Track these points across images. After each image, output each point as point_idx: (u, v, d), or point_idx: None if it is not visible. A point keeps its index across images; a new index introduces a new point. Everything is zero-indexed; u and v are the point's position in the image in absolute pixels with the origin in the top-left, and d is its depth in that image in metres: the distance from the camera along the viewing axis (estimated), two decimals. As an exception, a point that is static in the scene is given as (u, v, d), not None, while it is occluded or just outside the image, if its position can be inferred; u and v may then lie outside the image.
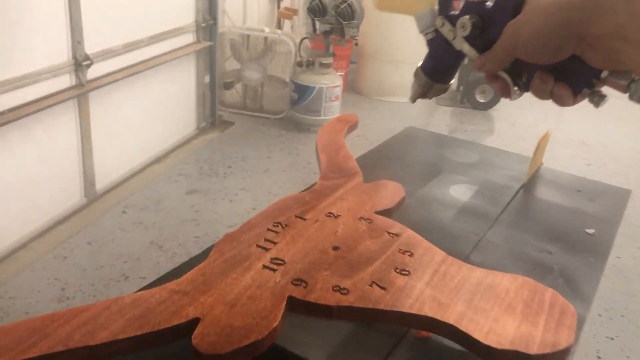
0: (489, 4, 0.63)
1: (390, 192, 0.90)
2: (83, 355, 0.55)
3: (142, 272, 2.11)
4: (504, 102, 4.14)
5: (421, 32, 0.72)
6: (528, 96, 0.65)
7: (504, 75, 0.63)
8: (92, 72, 2.39)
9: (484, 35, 0.64)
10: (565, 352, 0.62)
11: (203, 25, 3.14)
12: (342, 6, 3.29)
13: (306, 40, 3.63)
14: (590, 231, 1.00)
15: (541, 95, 0.59)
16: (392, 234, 0.79)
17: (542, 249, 0.94)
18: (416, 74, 0.76)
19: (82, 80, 2.34)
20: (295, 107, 3.48)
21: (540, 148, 1.14)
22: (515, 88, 0.63)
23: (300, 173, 3.02)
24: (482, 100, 4.14)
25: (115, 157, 2.70)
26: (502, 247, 0.94)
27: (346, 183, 0.92)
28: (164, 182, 2.81)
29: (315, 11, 3.33)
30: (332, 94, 3.44)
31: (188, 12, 3.07)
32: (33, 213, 2.27)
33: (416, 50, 4.17)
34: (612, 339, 1.97)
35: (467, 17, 0.65)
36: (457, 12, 0.67)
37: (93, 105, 2.46)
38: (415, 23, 0.72)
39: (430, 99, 0.77)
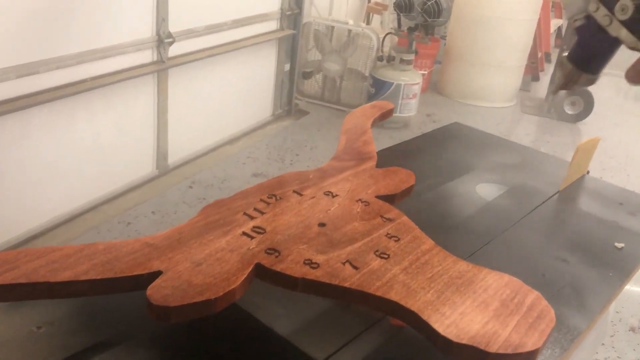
0: None
1: (399, 179, 0.88)
2: (42, 290, 0.58)
3: (196, 245, 2.18)
4: (595, 115, 3.90)
5: (570, 18, 0.69)
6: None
7: None
8: (174, 50, 2.49)
9: None
10: (530, 354, 0.58)
11: (288, 13, 3.19)
12: (429, 3, 3.23)
13: (392, 36, 3.59)
14: (620, 245, 0.93)
15: None
16: (386, 218, 0.77)
17: (559, 256, 0.89)
18: (561, 63, 0.73)
19: (163, 57, 2.45)
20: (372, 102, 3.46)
21: (581, 154, 1.07)
22: None
23: (367, 167, 3.00)
24: (570, 112, 3.93)
25: (189, 134, 2.80)
26: (514, 250, 0.89)
27: (356, 166, 0.91)
28: (233, 163, 2.89)
29: (402, 7, 3.29)
30: (410, 92, 3.38)
31: (274, 0, 3.13)
32: (106, 179, 2.40)
33: (504, 54, 4.04)
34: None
35: None
36: None
37: (172, 81, 2.56)
38: (564, 8, 0.69)
39: (574, 90, 0.74)
